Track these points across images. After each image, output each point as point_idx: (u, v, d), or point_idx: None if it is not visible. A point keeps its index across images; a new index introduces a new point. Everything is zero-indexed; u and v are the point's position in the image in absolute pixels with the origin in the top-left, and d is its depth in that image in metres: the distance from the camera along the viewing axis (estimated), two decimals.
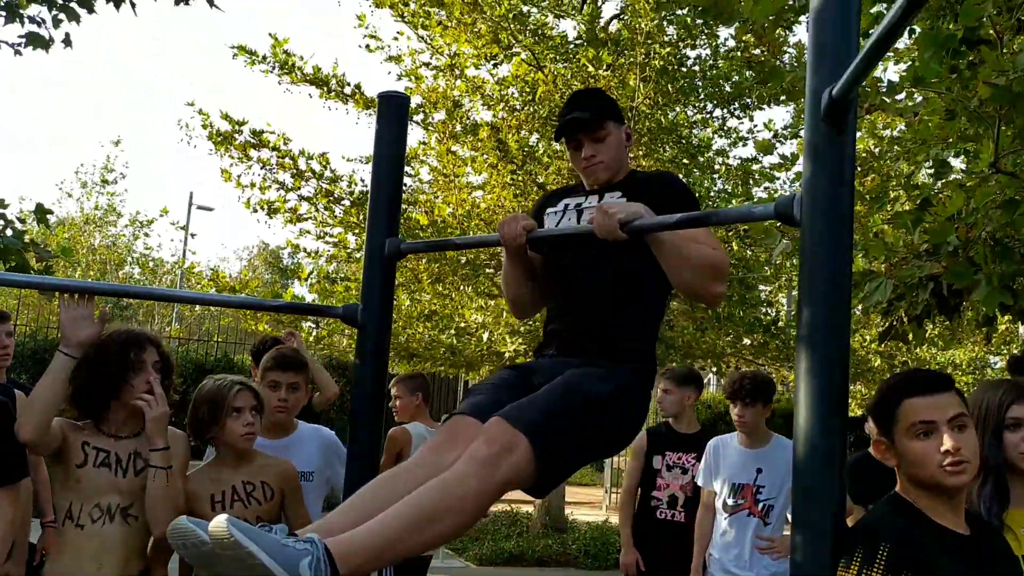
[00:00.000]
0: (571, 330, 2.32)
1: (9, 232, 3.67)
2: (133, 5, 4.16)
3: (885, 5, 3.40)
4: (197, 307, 21.68)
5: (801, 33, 9.36)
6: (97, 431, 2.46)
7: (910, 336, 3.39)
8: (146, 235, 21.69)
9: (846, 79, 1.61)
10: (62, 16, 4.05)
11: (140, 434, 2.49)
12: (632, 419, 2.22)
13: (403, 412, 4.99)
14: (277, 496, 2.71)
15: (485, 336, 8.65)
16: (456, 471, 1.83)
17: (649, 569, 4.13)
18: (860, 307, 3.53)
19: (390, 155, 2.64)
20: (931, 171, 3.45)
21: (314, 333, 9.38)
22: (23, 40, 4.04)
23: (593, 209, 2.29)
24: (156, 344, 2.55)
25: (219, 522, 1.54)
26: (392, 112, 2.65)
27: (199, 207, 23.36)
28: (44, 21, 4.09)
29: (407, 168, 9.17)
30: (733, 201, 9.11)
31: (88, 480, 2.38)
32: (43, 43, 4.09)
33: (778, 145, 9.38)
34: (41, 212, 3.96)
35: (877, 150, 4.34)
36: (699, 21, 8.37)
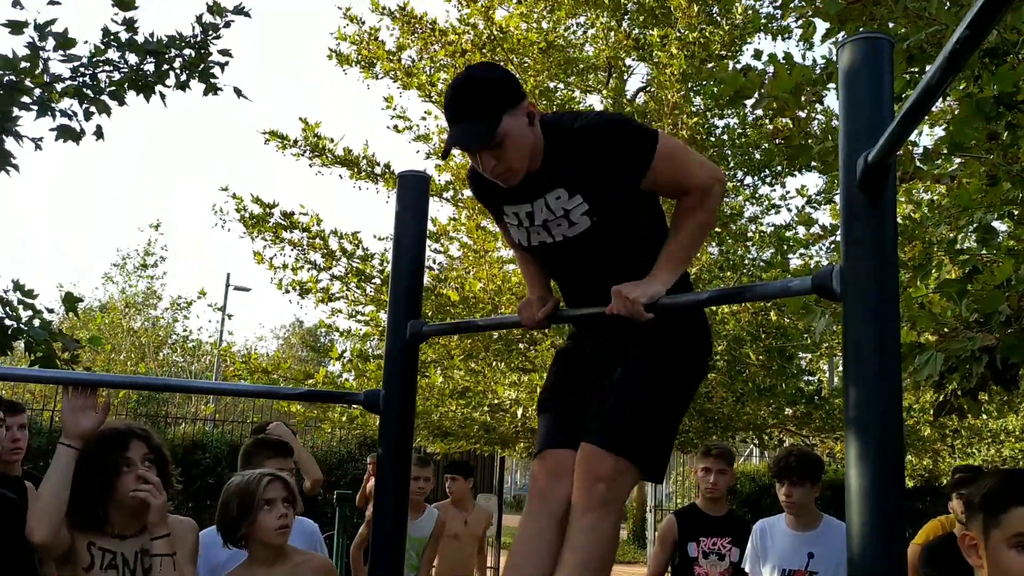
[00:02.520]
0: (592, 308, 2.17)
1: (37, 322, 3.66)
2: (163, 97, 4.22)
3: (916, 69, 3.33)
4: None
5: (830, 100, 9.32)
6: (101, 532, 2.37)
7: (966, 409, 3.21)
8: (185, 317, 21.96)
9: (884, 142, 1.52)
10: (93, 109, 4.11)
11: (145, 531, 2.40)
12: (702, 349, 2.20)
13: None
14: None
15: (519, 412, 8.48)
16: (583, 525, 1.94)
17: None
18: (909, 380, 3.36)
19: (410, 235, 2.57)
20: (975, 237, 3.32)
21: (347, 414, 9.28)
22: (55, 132, 4.11)
23: (545, 213, 2.09)
24: (143, 437, 2.43)
25: None
26: (412, 191, 2.59)
27: (236, 288, 23.66)
28: (76, 114, 4.16)
29: (436, 245, 9.19)
30: (769, 272, 8.95)
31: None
32: (74, 136, 4.15)
33: (813, 211, 9.26)
34: (70, 300, 3.96)
35: (917, 216, 4.21)
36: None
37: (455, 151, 2.22)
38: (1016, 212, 3.04)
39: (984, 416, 11.51)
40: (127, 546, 2.37)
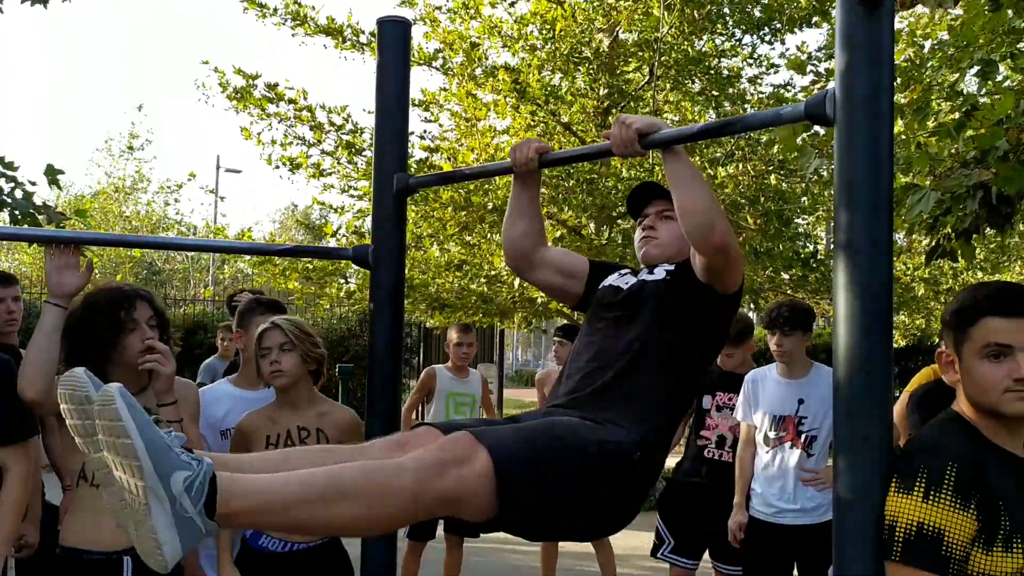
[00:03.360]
0: (577, 387, 2.03)
1: (19, 194, 3.60)
2: None
3: None
4: (227, 269, 21.87)
5: None
6: None
7: (958, 253, 3.19)
8: (176, 200, 21.84)
9: None
10: None
11: (144, 390, 2.42)
12: (617, 494, 1.83)
13: (468, 359, 5.23)
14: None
15: (516, 283, 8.52)
16: (395, 461, 1.59)
17: (694, 509, 4.03)
18: (902, 231, 3.34)
19: (394, 85, 2.48)
20: (976, 76, 3.22)
21: (344, 289, 9.33)
22: None
23: (632, 280, 2.17)
24: (148, 299, 2.44)
25: (111, 387, 1.39)
26: (393, 38, 2.48)
27: (227, 170, 23.41)
28: None
29: (427, 114, 9.00)
30: (766, 135, 8.78)
31: None
32: None
33: (811, 67, 9.01)
34: (52, 173, 3.88)
35: (917, 60, 4.08)
36: None
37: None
38: (1017, 52, 2.93)
39: (978, 272, 11.60)
40: None
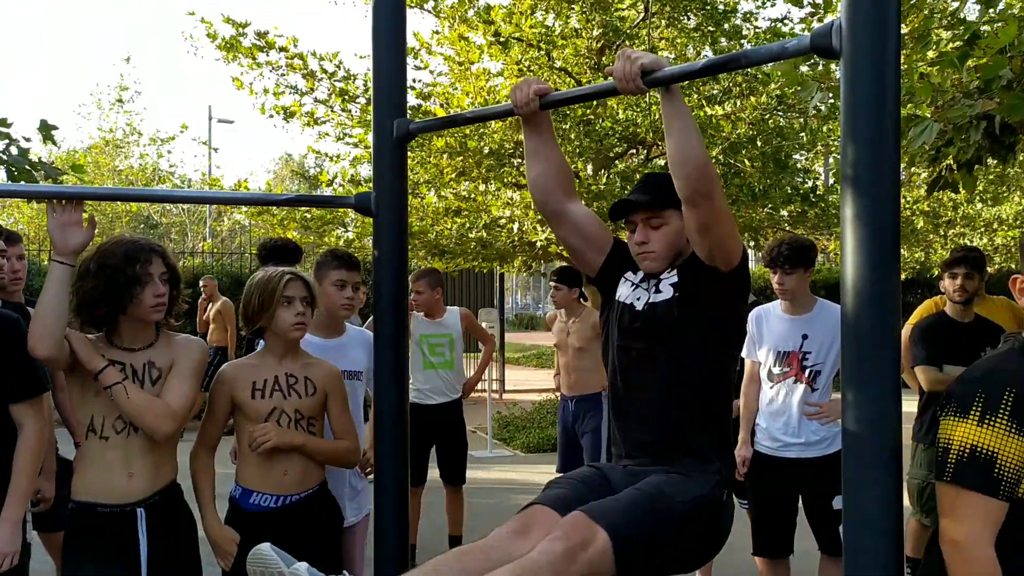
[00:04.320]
0: (637, 433, 2.21)
1: (14, 151, 3.56)
2: None
3: None
4: (226, 221, 21.79)
5: None
6: (109, 344, 2.40)
7: (960, 185, 3.18)
8: (169, 152, 21.65)
9: None
10: None
11: (152, 345, 2.44)
12: (715, 531, 2.11)
13: (423, 306, 5.06)
14: (319, 395, 2.67)
15: (515, 227, 8.50)
16: (532, 559, 1.78)
17: None
18: (904, 163, 3.31)
19: (389, 31, 2.44)
20: (977, 4, 3.16)
21: (343, 239, 9.31)
22: None
23: (644, 298, 2.23)
24: (161, 254, 2.45)
25: (300, 567, 1.67)
26: None
27: (219, 120, 23.18)
28: None
29: (416, 62, 8.87)
30: (764, 70, 8.67)
31: (107, 393, 2.33)
32: None
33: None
34: (46, 128, 3.84)
35: None
36: None
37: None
38: None
39: (978, 204, 11.57)
40: (136, 358, 2.41)
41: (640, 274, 2.30)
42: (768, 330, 3.74)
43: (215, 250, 14.26)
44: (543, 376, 15.23)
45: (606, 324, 2.35)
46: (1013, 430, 1.52)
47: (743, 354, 3.89)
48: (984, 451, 1.52)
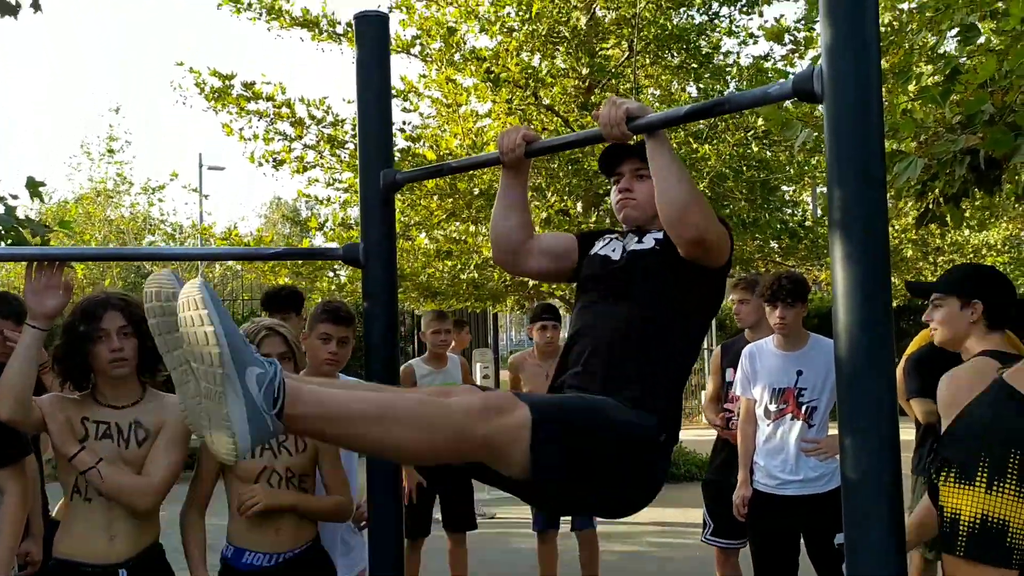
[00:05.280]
0: (589, 361, 2.07)
1: (1, 209, 3.55)
2: None
3: None
4: (218, 267, 21.78)
5: None
6: (95, 402, 2.38)
7: (948, 218, 3.19)
8: (160, 200, 21.67)
9: None
10: None
11: (139, 402, 2.41)
12: (642, 471, 1.92)
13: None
14: (310, 450, 2.64)
15: None
16: (444, 401, 1.69)
17: (723, 486, 4.05)
18: (891, 193, 3.33)
19: (374, 80, 2.45)
20: (957, 38, 3.21)
21: (335, 283, 9.29)
22: None
23: (620, 247, 2.17)
24: (118, 307, 2.40)
25: (195, 281, 1.47)
26: (371, 34, 2.46)
27: (210, 167, 23.24)
28: None
29: (406, 104, 8.93)
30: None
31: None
32: (10, 9, 3.91)
33: (789, 39, 8.96)
34: (33, 185, 3.83)
35: (896, 24, 4.07)
36: None
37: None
38: (998, 8, 2.92)
39: (966, 231, 11.63)
40: (121, 416, 2.39)
41: (616, 234, 2.27)
42: (762, 367, 3.73)
43: None
44: None
45: (579, 284, 2.28)
46: (1022, 495, 1.43)
47: (738, 391, 3.88)
48: (996, 520, 1.43)
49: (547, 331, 5.02)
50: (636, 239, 2.18)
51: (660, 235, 2.12)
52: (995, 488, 1.44)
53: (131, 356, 2.38)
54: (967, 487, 1.45)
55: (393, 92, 8.82)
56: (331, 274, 9.60)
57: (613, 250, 2.20)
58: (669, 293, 2.06)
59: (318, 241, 10.68)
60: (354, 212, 9.40)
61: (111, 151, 19.21)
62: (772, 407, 3.67)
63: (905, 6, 4.65)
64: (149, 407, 2.43)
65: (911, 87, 3.23)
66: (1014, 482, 1.44)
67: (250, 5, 8.23)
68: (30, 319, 2.22)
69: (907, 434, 2.14)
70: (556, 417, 1.75)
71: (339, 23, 8.42)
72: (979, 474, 1.45)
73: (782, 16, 9.50)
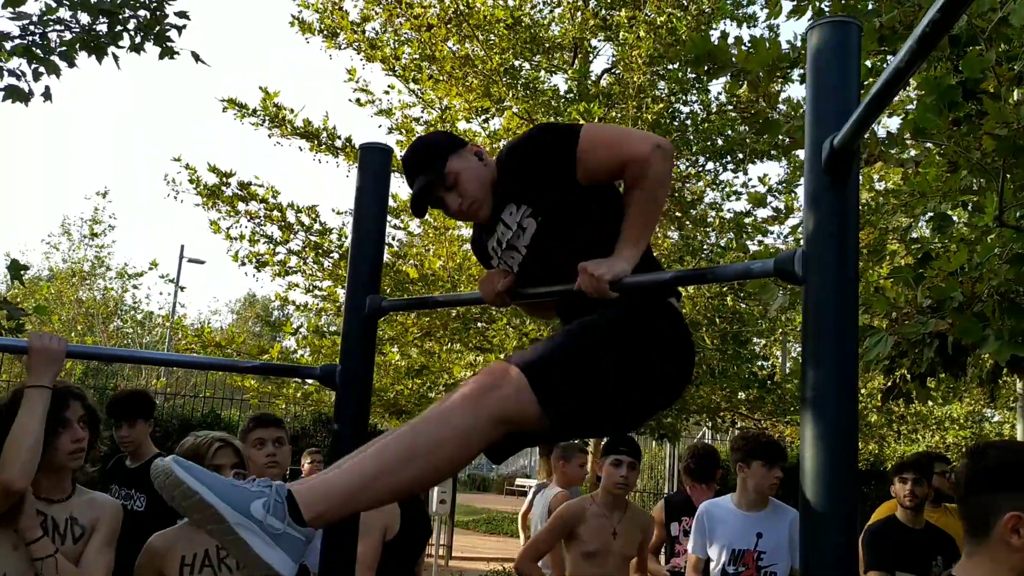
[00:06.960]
0: (564, 297, 2.09)
1: None
2: (116, 58, 4.10)
3: (879, 57, 3.36)
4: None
5: (793, 91, 9.40)
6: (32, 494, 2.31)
7: (913, 395, 3.27)
8: (135, 287, 21.55)
9: (849, 127, 1.52)
10: (42, 69, 3.98)
11: (70, 497, 2.36)
12: (650, 352, 1.92)
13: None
14: None
15: None
16: (439, 409, 1.71)
17: None
18: (860, 365, 3.42)
19: (371, 209, 2.53)
20: (930, 225, 3.37)
21: (301, 390, 9.19)
22: (2, 92, 3.97)
23: (511, 249, 2.17)
24: (79, 397, 2.40)
25: (167, 461, 1.52)
26: (374, 165, 2.55)
27: (190, 260, 23.25)
28: (24, 74, 4.02)
29: (396, 221, 9.10)
30: (727, 256, 9.02)
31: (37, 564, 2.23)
32: (23, 96, 4.01)
33: (772, 200, 9.33)
34: (15, 268, 3.84)
35: (873, 204, 4.27)
36: (691, 75, 8.38)
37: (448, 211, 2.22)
38: (971, 201, 3.08)
39: (930, 403, 11.79)
40: (56, 510, 2.32)
41: (493, 237, 2.23)
42: (723, 526, 3.69)
43: (167, 389, 13.96)
44: (493, 544, 14.75)
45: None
46: None
47: (689, 548, 3.83)
48: None
49: (622, 467, 3.76)
50: (510, 231, 2.14)
51: (527, 209, 2.09)
52: None
53: (85, 448, 2.36)
54: None
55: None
56: (297, 380, 9.51)
57: (512, 256, 2.17)
58: (585, 225, 2.06)
59: (287, 343, 10.63)
60: (327, 319, 9.42)
61: (94, 234, 19.23)
62: (731, 569, 3.60)
63: (881, 186, 4.89)
64: (83, 503, 2.38)
65: (884, 265, 3.36)
66: None
67: (254, 112, 8.47)
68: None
69: None
70: (544, 356, 1.78)
71: (339, 137, 8.67)
72: None
73: (766, 175, 9.91)
